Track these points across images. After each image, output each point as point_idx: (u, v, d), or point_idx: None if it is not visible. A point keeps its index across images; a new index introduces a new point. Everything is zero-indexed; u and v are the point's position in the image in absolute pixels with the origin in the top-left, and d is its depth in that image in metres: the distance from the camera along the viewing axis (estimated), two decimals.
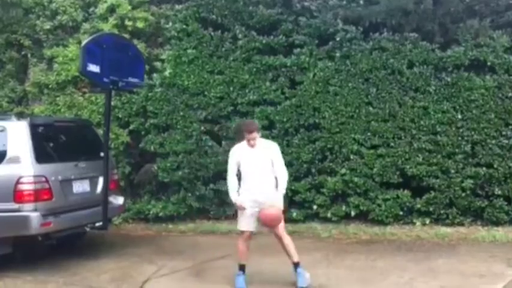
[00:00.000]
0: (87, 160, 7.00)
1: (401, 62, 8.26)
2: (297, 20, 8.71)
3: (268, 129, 8.45)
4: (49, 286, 6.01)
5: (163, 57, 9.17)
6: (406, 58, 8.26)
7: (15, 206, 6.13)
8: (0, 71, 10.21)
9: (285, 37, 8.71)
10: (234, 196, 5.67)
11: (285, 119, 8.53)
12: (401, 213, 8.21)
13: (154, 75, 9.05)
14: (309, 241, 7.52)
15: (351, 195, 8.37)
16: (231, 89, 8.73)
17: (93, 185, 7.05)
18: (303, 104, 8.51)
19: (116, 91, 7.74)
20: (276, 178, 5.59)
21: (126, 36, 8.85)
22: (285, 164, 5.75)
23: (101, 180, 7.06)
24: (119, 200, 7.47)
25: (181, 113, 8.81)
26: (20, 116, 7.49)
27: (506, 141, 7.93)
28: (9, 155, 6.29)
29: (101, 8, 9.50)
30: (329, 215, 8.42)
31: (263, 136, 6.25)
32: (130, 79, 7.30)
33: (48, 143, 6.92)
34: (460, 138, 8.05)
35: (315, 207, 8.47)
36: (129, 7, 9.37)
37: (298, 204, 8.47)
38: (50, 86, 9.52)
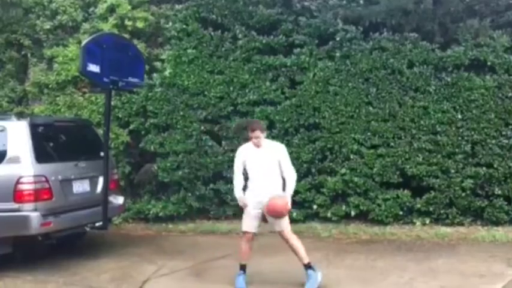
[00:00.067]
0: (87, 160, 7.00)
1: (401, 62, 8.26)
2: (297, 20, 8.71)
3: (268, 129, 8.40)
4: (49, 286, 6.01)
5: (163, 57, 9.17)
6: (406, 58, 8.26)
7: (15, 205, 6.13)
8: (0, 70, 10.21)
9: (285, 37, 8.71)
10: (238, 194, 5.68)
11: (285, 119, 8.53)
12: (401, 213, 8.20)
13: (154, 75, 9.06)
14: (309, 241, 7.48)
15: (351, 195, 8.37)
16: (231, 89, 8.73)
17: (93, 184, 7.05)
18: (303, 104, 8.51)
19: (116, 91, 7.74)
20: (283, 179, 5.56)
21: (126, 36, 8.85)
22: None
23: (101, 180, 7.06)
24: (119, 200, 7.47)
25: (181, 113, 8.81)
26: (20, 116, 7.49)
27: (506, 141, 7.93)
28: (9, 154, 6.28)
29: (101, 8, 9.50)
30: (329, 214, 8.42)
31: None
32: (130, 79, 7.30)
33: (48, 143, 6.92)
34: (460, 138, 8.05)
35: (315, 207, 8.47)
36: (129, 7, 9.37)
37: (298, 204, 8.45)
38: (50, 86, 9.52)
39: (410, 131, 8.19)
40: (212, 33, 8.86)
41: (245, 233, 5.65)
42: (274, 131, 8.50)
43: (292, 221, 8.08)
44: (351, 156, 8.35)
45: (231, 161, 8.54)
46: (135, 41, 8.92)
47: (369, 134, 8.31)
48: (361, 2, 8.47)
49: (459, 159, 8.04)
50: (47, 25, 9.79)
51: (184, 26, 8.95)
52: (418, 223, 8.15)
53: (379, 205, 8.25)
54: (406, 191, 8.19)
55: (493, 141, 7.95)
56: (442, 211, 8.08)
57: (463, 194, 7.98)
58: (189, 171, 8.73)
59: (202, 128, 8.80)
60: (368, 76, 8.36)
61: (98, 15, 9.57)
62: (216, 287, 5.84)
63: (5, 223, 6.13)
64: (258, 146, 5.58)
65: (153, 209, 8.86)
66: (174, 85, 8.87)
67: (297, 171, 8.27)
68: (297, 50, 8.60)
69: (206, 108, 8.80)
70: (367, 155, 8.31)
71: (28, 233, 6.21)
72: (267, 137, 5.97)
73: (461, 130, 8.05)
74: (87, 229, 6.94)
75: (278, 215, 5.45)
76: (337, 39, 8.46)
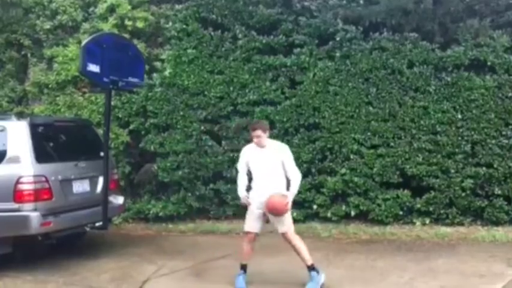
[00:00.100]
0: (87, 160, 6.99)
1: (401, 61, 8.26)
2: (297, 20, 8.71)
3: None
4: (49, 286, 6.01)
5: (163, 57, 9.17)
6: (406, 58, 8.26)
7: (15, 205, 6.13)
8: (0, 70, 10.21)
9: (285, 37, 8.71)
10: (241, 192, 5.66)
11: (285, 119, 8.53)
12: (401, 213, 8.21)
13: (154, 75, 9.05)
14: (309, 241, 7.42)
15: (351, 195, 8.37)
16: (231, 88, 8.72)
17: (93, 184, 7.05)
18: (303, 104, 8.51)
19: (116, 91, 7.74)
20: (288, 180, 5.53)
21: (126, 36, 8.85)
22: None
23: (100, 180, 7.05)
24: (118, 200, 7.46)
25: (181, 113, 8.81)
26: (20, 115, 7.48)
27: (506, 141, 7.93)
28: (9, 154, 6.28)
29: (101, 7, 9.50)
30: (329, 214, 8.42)
31: None
32: (130, 79, 7.29)
33: (48, 143, 6.91)
34: (460, 138, 8.05)
35: (315, 207, 8.47)
36: (129, 7, 9.37)
37: (298, 204, 8.44)
38: (50, 86, 9.51)
39: (410, 131, 8.19)
40: (212, 33, 8.86)
41: (247, 233, 5.65)
42: (274, 131, 8.46)
43: (293, 221, 8.11)
44: (351, 156, 8.35)
45: (231, 161, 8.63)
46: (135, 41, 8.91)
47: (369, 134, 8.31)
48: (361, 2, 8.47)
49: (459, 159, 8.05)
50: (47, 25, 9.79)
51: (184, 26, 8.95)
52: (418, 223, 8.15)
53: (379, 205, 8.25)
54: (406, 191, 8.19)
55: (493, 141, 7.95)
56: (442, 211, 8.08)
57: (463, 194, 7.98)
58: (189, 171, 8.73)
59: (202, 128, 8.80)
60: (368, 76, 8.36)
61: (98, 15, 9.57)
62: (216, 287, 5.84)
63: (5, 223, 6.12)
64: (260, 146, 5.57)
65: (153, 209, 8.86)
66: (174, 85, 8.87)
67: None
68: (297, 50, 8.60)
69: (206, 108, 8.80)
70: (367, 155, 8.31)
71: (28, 232, 6.21)
72: (269, 137, 5.94)
73: (461, 130, 8.05)
74: (87, 229, 6.94)
75: (277, 212, 5.42)
76: (337, 39, 8.46)
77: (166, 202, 8.92)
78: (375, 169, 8.26)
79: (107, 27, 9.23)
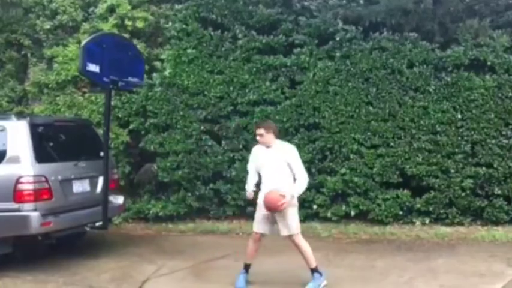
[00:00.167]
0: (87, 160, 6.99)
1: (401, 61, 8.26)
2: (296, 20, 8.71)
3: None
4: (49, 286, 6.00)
5: (163, 57, 9.17)
6: (406, 58, 8.26)
7: (15, 205, 6.12)
8: (0, 70, 10.21)
9: (285, 37, 8.71)
10: (248, 187, 5.77)
11: (285, 119, 8.52)
12: (401, 213, 8.21)
13: (154, 75, 9.05)
14: (309, 241, 7.37)
15: (350, 195, 8.38)
16: (231, 88, 8.72)
17: (93, 184, 7.04)
18: (303, 104, 8.51)
19: (116, 91, 7.74)
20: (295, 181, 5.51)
21: (126, 36, 8.84)
22: None
23: (100, 179, 7.05)
24: (118, 200, 7.46)
25: (181, 113, 8.80)
26: (20, 115, 7.47)
27: (506, 141, 7.94)
28: (9, 154, 6.27)
29: (101, 7, 9.50)
30: (329, 214, 8.42)
31: None
32: (130, 79, 7.29)
33: (48, 143, 6.89)
34: (460, 138, 8.05)
35: (314, 206, 8.46)
36: (129, 7, 9.37)
37: (298, 204, 8.46)
38: (50, 86, 9.51)
39: (410, 131, 8.19)
40: (212, 33, 8.85)
41: (254, 232, 5.65)
42: None
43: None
44: (351, 156, 8.35)
45: (231, 161, 8.64)
46: (135, 41, 8.91)
47: (368, 133, 8.31)
48: (361, 2, 8.47)
49: (459, 159, 8.05)
50: (47, 25, 9.78)
51: (184, 26, 8.95)
52: (418, 223, 8.16)
53: (379, 205, 8.25)
54: (406, 191, 8.20)
55: (493, 141, 7.95)
56: (441, 211, 8.09)
57: (463, 194, 7.99)
58: (189, 171, 8.73)
59: (202, 127, 8.79)
60: (368, 76, 8.37)
61: (98, 15, 9.56)
62: (216, 287, 5.85)
63: (5, 223, 6.12)
64: (266, 145, 5.57)
65: (153, 209, 8.85)
66: (174, 85, 8.87)
67: None
68: (297, 50, 8.60)
69: (206, 108, 8.80)
70: (367, 154, 8.31)
71: (28, 232, 6.21)
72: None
73: (461, 130, 8.06)
74: (87, 229, 6.93)
75: (271, 208, 5.34)
76: (337, 39, 8.46)
77: (166, 202, 8.92)
78: (374, 169, 8.26)
79: (106, 27, 9.22)
